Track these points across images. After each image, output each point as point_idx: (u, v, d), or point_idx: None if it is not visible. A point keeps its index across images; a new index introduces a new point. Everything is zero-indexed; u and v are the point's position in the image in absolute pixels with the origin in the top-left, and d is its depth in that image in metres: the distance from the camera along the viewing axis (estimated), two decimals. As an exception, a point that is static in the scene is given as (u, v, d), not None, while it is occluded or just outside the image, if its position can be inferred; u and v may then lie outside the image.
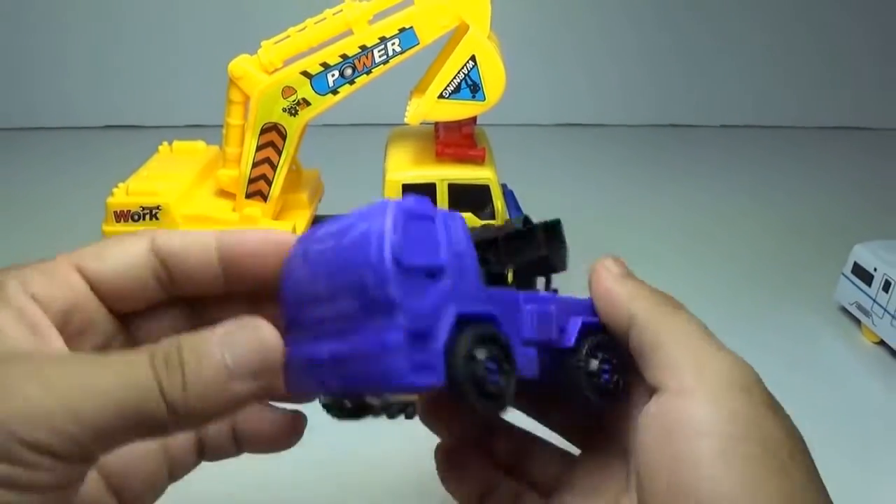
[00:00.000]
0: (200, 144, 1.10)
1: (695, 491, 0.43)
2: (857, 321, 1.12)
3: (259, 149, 0.95)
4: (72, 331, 0.45)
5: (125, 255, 0.47)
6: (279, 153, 0.95)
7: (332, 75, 0.92)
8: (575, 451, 0.60)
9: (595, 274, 0.55)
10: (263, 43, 0.93)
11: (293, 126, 0.94)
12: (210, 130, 1.14)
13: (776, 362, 1.06)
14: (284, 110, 0.93)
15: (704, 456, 0.43)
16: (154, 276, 0.47)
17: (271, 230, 0.49)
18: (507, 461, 0.60)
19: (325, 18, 0.92)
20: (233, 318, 0.42)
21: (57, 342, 0.43)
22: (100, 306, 0.46)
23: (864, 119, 1.94)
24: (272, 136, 0.94)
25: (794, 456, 0.46)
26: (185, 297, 0.50)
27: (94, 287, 0.46)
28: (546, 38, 1.82)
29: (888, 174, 1.69)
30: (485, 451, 0.60)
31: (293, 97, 0.93)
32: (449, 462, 0.59)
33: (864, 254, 1.10)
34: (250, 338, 0.41)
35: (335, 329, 0.42)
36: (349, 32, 0.91)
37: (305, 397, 0.49)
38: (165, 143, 1.09)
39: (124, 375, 0.38)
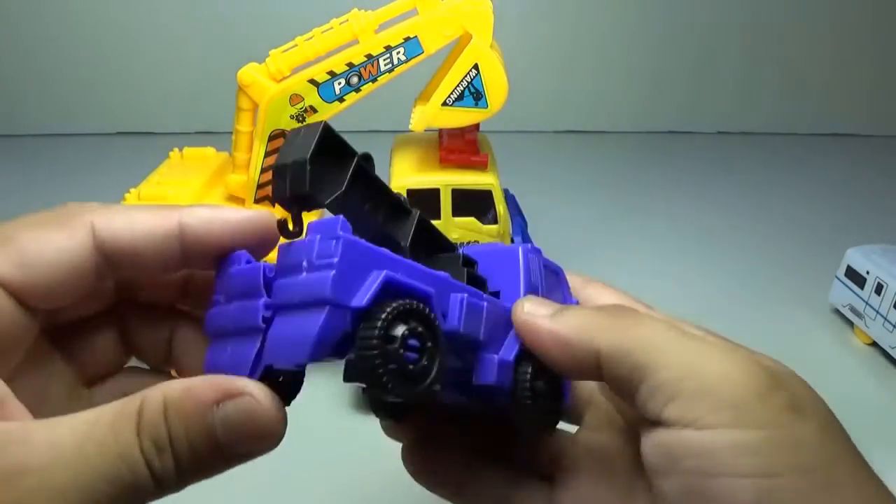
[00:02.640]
0: (210, 151, 1.10)
1: None
2: (850, 323, 1.13)
3: (267, 155, 0.95)
4: None
5: (58, 259, 0.40)
6: (287, 159, 0.95)
7: (339, 83, 0.92)
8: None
9: (523, 327, 0.46)
10: (271, 51, 0.93)
11: (301, 133, 0.94)
12: (219, 137, 1.15)
13: (771, 362, 1.06)
14: (292, 117, 0.93)
15: None
16: (93, 276, 0.42)
17: (251, 210, 0.45)
18: (490, 445, 0.55)
19: (331, 28, 0.92)
20: (214, 378, 0.38)
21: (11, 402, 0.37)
22: (14, 308, 0.40)
23: (857, 126, 1.94)
24: (280, 142, 0.95)
25: (839, 465, 0.39)
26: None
27: (11, 292, 0.39)
28: (547, 47, 1.82)
29: (881, 180, 1.69)
30: (459, 437, 0.55)
31: (301, 104, 0.93)
32: (416, 455, 0.55)
33: (857, 257, 1.10)
34: (246, 412, 0.37)
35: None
36: (355, 41, 0.92)
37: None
38: (176, 150, 1.10)
39: (114, 471, 0.34)
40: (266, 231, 0.44)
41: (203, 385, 0.37)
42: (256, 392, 0.37)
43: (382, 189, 0.46)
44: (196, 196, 0.98)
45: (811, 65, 1.90)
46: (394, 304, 0.37)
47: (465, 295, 0.43)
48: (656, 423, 0.40)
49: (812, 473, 0.37)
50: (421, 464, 0.55)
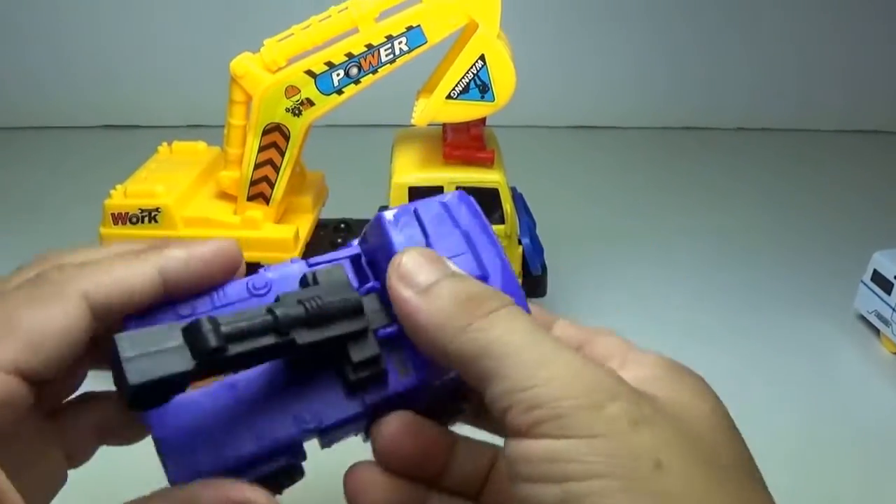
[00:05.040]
0: (201, 145, 1.10)
1: None
2: (877, 331, 1.12)
3: (261, 150, 0.95)
4: None
5: (61, 337, 0.41)
6: (282, 155, 0.95)
7: (338, 74, 0.92)
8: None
9: (395, 298, 0.44)
10: (266, 41, 0.93)
11: (297, 127, 0.94)
12: (211, 131, 1.14)
13: (792, 373, 1.06)
14: (288, 110, 0.93)
15: None
16: (88, 342, 0.43)
17: (218, 241, 0.48)
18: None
19: (330, 16, 0.91)
20: (217, 484, 0.40)
21: None
22: (26, 393, 0.41)
23: (886, 122, 1.93)
24: (275, 136, 0.94)
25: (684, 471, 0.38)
26: None
27: (24, 376, 0.40)
28: (558, 37, 1.82)
29: (911, 179, 1.69)
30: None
31: (297, 97, 0.93)
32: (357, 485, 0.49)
33: (883, 261, 1.10)
34: None
35: None
36: (355, 30, 0.91)
37: None
38: (165, 144, 1.09)
39: None
40: (233, 260, 0.48)
41: (206, 493, 0.39)
42: (252, 492, 0.39)
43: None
44: (186, 193, 0.98)
45: (837, 57, 1.89)
46: None
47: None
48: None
49: (636, 479, 0.36)
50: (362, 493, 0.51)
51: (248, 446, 0.42)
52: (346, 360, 0.44)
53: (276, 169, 0.96)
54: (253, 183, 0.97)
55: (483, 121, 0.99)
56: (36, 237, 1.32)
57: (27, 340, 0.40)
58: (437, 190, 0.95)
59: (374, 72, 0.93)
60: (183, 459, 0.42)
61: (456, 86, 0.92)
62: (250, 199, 0.97)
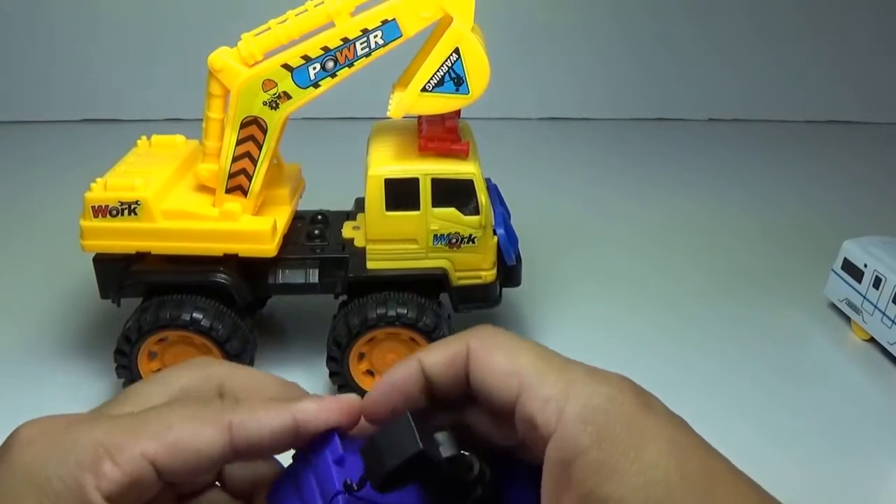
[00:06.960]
0: (179, 139, 1.10)
1: None
2: (847, 318, 1.13)
3: (239, 143, 0.95)
4: None
5: (203, 450, 0.47)
6: (259, 147, 0.95)
7: (314, 68, 0.92)
8: None
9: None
10: (244, 35, 0.93)
11: (274, 120, 0.94)
12: (189, 124, 1.14)
13: (764, 360, 1.07)
14: (265, 104, 0.93)
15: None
16: (223, 462, 0.48)
17: (340, 398, 0.49)
18: None
19: (306, 10, 0.92)
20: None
21: None
22: (157, 483, 0.47)
23: (855, 113, 1.94)
24: (252, 129, 0.94)
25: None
26: None
27: (159, 471, 0.46)
28: (531, 31, 1.83)
29: (879, 169, 1.70)
30: None
31: (274, 90, 0.93)
32: None
33: (854, 250, 1.11)
34: None
35: None
36: (331, 24, 0.91)
37: None
38: (144, 138, 1.10)
39: None
40: (353, 412, 0.50)
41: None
42: None
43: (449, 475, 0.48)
44: (165, 186, 0.98)
45: (806, 49, 1.91)
46: None
47: None
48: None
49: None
50: None
51: None
52: None
53: (254, 161, 0.96)
54: (231, 175, 0.97)
55: (458, 113, 0.99)
56: (17, 229, 1.32)
57: (173, 444, 0.46)
58: (413, 181, 0.95)
59: (350, 65, 0.93)
60: None
61: (431, 79, 0.92)
62: (228, 191, 0.97)
